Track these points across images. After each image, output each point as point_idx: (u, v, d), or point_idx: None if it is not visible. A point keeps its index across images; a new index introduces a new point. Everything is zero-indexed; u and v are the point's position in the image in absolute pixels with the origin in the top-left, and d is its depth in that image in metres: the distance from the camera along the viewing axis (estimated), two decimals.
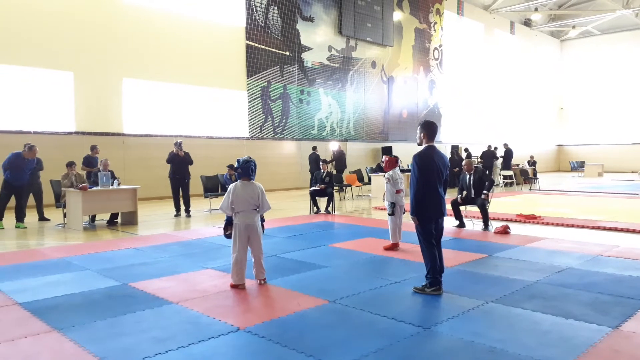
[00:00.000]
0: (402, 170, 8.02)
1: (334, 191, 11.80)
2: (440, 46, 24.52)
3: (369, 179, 16.42)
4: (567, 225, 9.11)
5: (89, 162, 11.04)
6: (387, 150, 19.75)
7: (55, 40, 12.63)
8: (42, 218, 10.04)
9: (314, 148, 16.21)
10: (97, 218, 10.00)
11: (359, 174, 16.35)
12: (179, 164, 10.89)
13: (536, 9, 27.44)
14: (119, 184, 9.69)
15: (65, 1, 12.75)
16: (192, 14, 15.32)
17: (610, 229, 8.71)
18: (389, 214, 6.91)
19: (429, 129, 4.88)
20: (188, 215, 10.75)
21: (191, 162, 11.05)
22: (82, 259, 6.42)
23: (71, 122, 13.01)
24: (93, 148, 11.23)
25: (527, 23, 30.37)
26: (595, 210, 11.15)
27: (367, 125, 21.09)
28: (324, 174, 11.14)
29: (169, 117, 14.92)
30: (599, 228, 8.81)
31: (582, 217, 10.06)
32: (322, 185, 10.99)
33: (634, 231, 8.41)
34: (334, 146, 18.67)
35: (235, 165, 5.16)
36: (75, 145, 12.32)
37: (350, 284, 5.17)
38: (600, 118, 31.72)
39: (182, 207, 10.91)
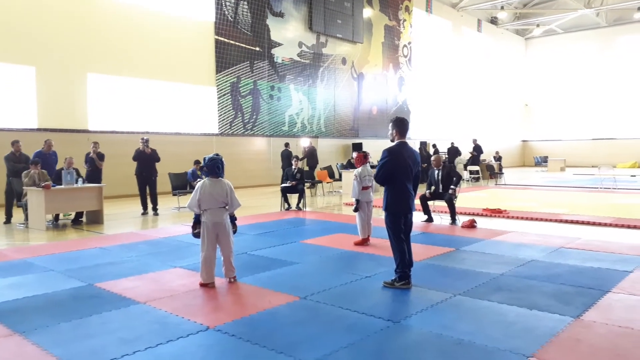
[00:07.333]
0: (372, 166, 8.07)
1: (305, 187, 11.80)
2: (409, 43, 24.76)
3: (340, 175, 16.47)
4: (532, 219, 9.37)
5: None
6: (357, 147, 19.84)
7: (16, 34, 12.15)
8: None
9: (287, 144, 16.14)
10: (61, 217, 9.71)
11: (329, 170, 16.38)
12: (146, 161, 10.66)
13: (502, 8, 28.04)
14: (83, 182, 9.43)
15: None
16: (160, 8, 14.98)
17: (572, 221, 9.00)
18: (354, 211, 6.99)
19: (401, 125, 4.97)
20: (155, 214, 10.56)
21: (158, 160, 10.85)
22: (45, 260, 6.23)
23: (33, 119, 12.58)
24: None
25: (494, 21, 31.00)
26: (558, 204, 11.50)
27: (337, 121, 21.14)
28: (295, 170, 11.12)
29: (136, 114, 14.58)
30: (561, 221, 9.09)
31: (546, 210, 10.36)
32: (293, 182, 10.97)
33: (594, 224, 8.71)
34: (305, 142, 18.64)
35: (202, 163, 5.09)
36: (37, 142, 11.87)
37: (321, 279, 5.18)
38: (562, 114, 32.68)
39: (150, 205, 10.72)
